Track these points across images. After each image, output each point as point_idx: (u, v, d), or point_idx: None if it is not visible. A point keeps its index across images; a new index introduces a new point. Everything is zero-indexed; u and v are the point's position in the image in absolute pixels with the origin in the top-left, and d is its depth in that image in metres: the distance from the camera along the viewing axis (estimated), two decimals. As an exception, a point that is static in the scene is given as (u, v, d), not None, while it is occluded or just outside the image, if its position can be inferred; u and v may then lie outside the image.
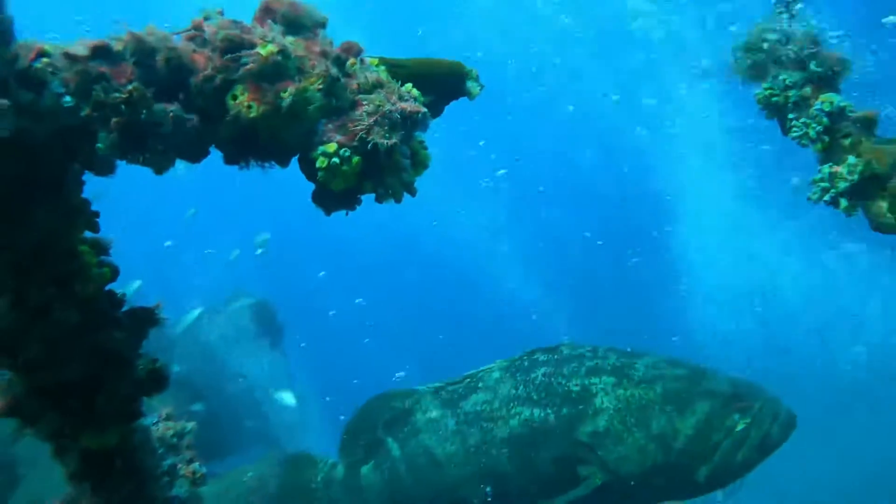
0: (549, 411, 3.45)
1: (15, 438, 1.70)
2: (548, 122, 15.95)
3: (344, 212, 1.93)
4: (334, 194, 1.81)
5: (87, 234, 1.55)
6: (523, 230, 17.36)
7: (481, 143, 14.92)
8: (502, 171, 14.74)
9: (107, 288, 1.64)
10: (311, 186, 1.81)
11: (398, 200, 1.83)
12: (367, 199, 1.83)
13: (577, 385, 3.44)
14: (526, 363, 3.69)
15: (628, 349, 3.65)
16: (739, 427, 3.16)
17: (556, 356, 3.64)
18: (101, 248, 1.57)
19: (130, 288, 6.22)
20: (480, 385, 3.76)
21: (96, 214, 1.51)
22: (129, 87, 1.30)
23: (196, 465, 2.34)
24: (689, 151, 13.99)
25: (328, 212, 1.91)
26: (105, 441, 1.77)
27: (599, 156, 15.97)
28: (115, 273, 1.62)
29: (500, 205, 16.66)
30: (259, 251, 8.97)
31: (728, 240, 14.46)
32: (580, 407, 3.37)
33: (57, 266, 1.44)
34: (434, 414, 3.82)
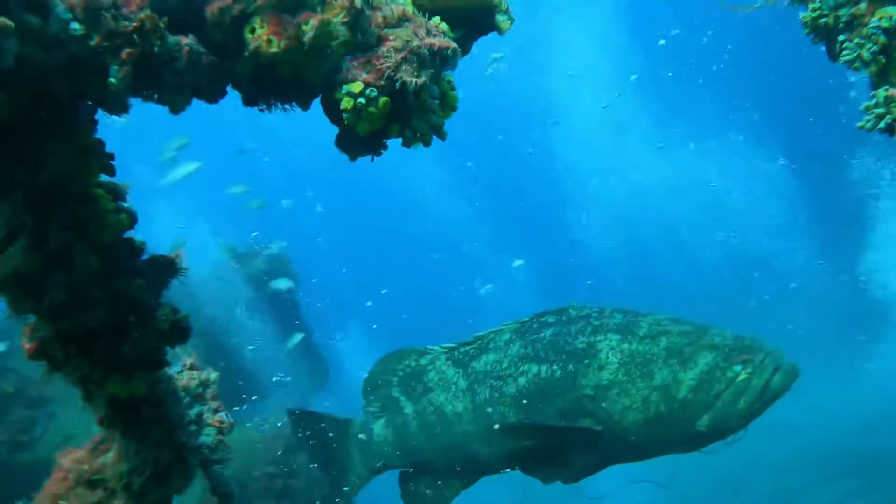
0: (555, 368, 3.51)
1: (44, 381, 1.69)
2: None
3: (369, 158, 1.83)
4: (360, 138, 1.70)
5: (103, 177, 1.48)
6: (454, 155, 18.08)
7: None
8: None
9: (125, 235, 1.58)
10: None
11: (427, 144, 1.72)
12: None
13: (583, 343, 3.49)
14: (535, 325, 3.76)
15: (633, 309, 3.68)
16: (741, 377, 3.17)
17: (563, 317, 3.71)
18: (117, 193, 1.50)
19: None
20: (491, 346, 3.83)
21: (111, 157, 1.44)
22: (141, 15, 1.20)
23: (223, 413, 2.34)
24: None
25: (353, 157, 1.81)
26: (132, 389, 1.75)
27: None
28: (132, 219, 1.55)
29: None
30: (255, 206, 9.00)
31: (607, 148, 15.36)
32: (586, 362, 3.43)
33: (73, 210, 1.37)
34: (446, 373, 3.91)
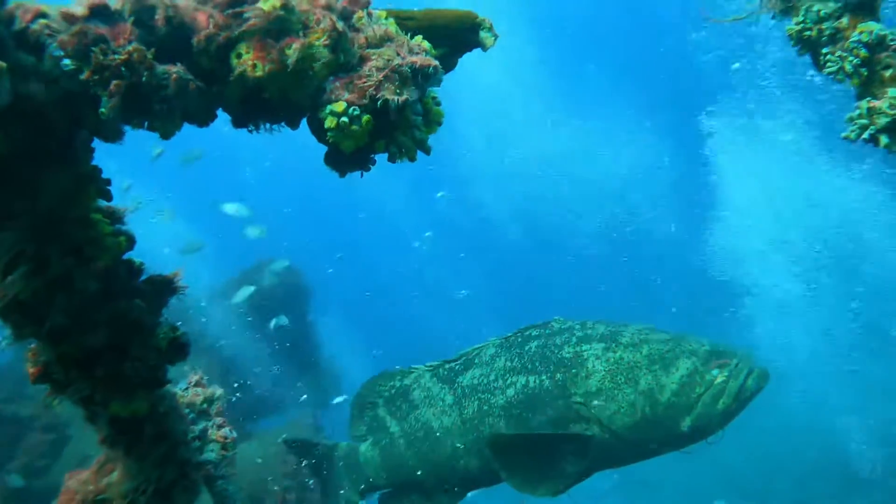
0: (543, 377, 3.62)
1: (48, 404, 1.74)
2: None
3: (358, 173, 1.88)
4: (346, 155, 1.76)
5: (101, 202, 1.54)
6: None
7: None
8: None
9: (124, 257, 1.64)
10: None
11: (412, 159, 1.77)
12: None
13: (569, 352, 3.62)
14: (519, 339, 3.87)
15: (615, 321, 3.81)
16: (719, 380, 3.36)
17: (547, 330, 3.82)
18: (115, 216, 1.56)
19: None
20: (476, 361, 3.92)
21: (108, 182, 1.50)
22: (129, 48, 1.26)
23: (226, 429, 2.39)
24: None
25: (342, 174, 1.86)
26: (134, 408, 1.80)
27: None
28: (130, 242, 1.61)
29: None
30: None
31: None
32: (573, 371, 3.55)
33: (73, 235, 1.43)
34: (431, 390, 3.99)
